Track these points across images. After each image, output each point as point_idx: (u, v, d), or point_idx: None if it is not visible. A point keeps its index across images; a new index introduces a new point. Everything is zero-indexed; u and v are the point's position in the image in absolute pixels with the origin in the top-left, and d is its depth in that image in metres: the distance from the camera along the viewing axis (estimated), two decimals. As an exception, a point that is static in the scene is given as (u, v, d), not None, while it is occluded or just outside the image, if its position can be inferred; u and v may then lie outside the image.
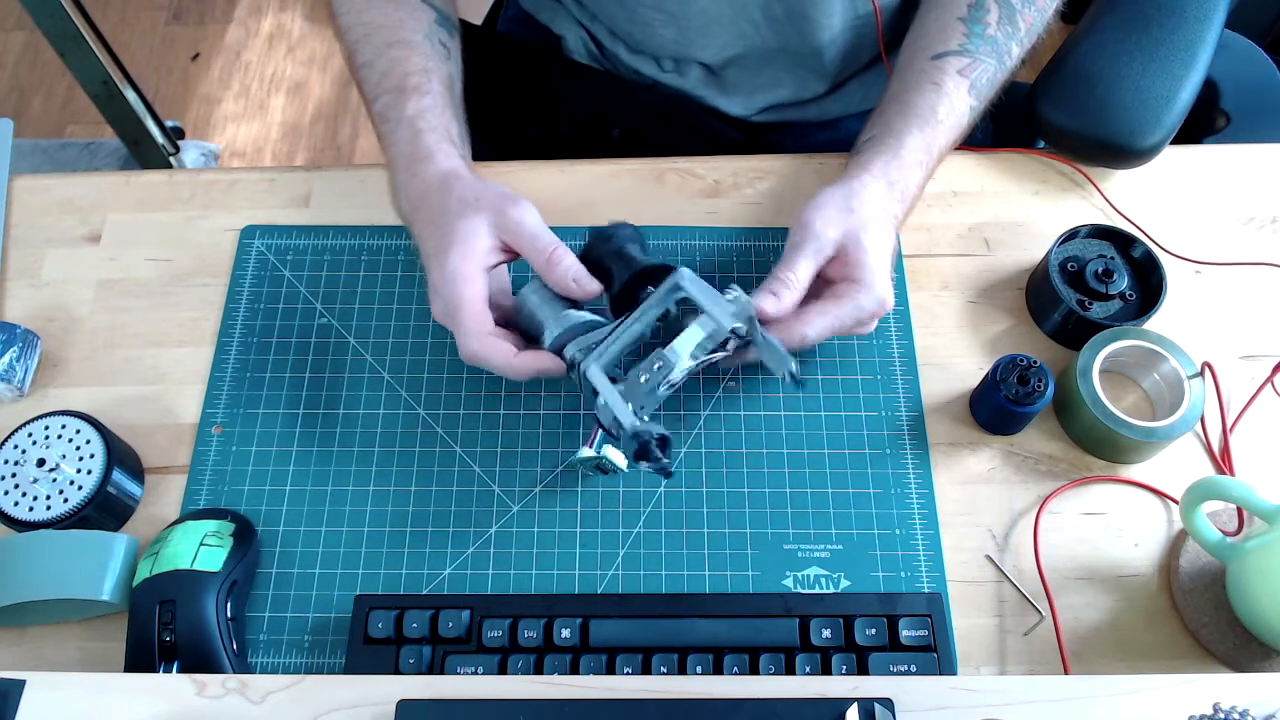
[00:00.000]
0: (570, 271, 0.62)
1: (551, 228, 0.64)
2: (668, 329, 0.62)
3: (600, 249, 0.66)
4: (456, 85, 0.72)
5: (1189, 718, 0.49)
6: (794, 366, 0.60)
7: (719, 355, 0.61)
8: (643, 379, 0.59)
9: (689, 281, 0.61)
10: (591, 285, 0.62)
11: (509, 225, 0.62)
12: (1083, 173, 0.78)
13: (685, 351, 0.60)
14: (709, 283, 0.61)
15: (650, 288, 0.62)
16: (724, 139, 0.89)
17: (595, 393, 0.60)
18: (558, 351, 0.63)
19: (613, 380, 0.60)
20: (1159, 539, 0.65)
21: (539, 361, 0.62)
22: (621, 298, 0.63)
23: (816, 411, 0.69)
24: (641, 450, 0.59)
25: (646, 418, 0.59)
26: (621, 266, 0.64)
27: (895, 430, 0.69)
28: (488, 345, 0.61)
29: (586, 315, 0.63)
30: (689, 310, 0.62)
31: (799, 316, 0.62)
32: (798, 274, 0.62)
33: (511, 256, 0.64)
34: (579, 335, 0.62)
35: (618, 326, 0.61)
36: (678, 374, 0.59)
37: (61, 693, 0.51)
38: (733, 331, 0.60)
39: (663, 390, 0.59)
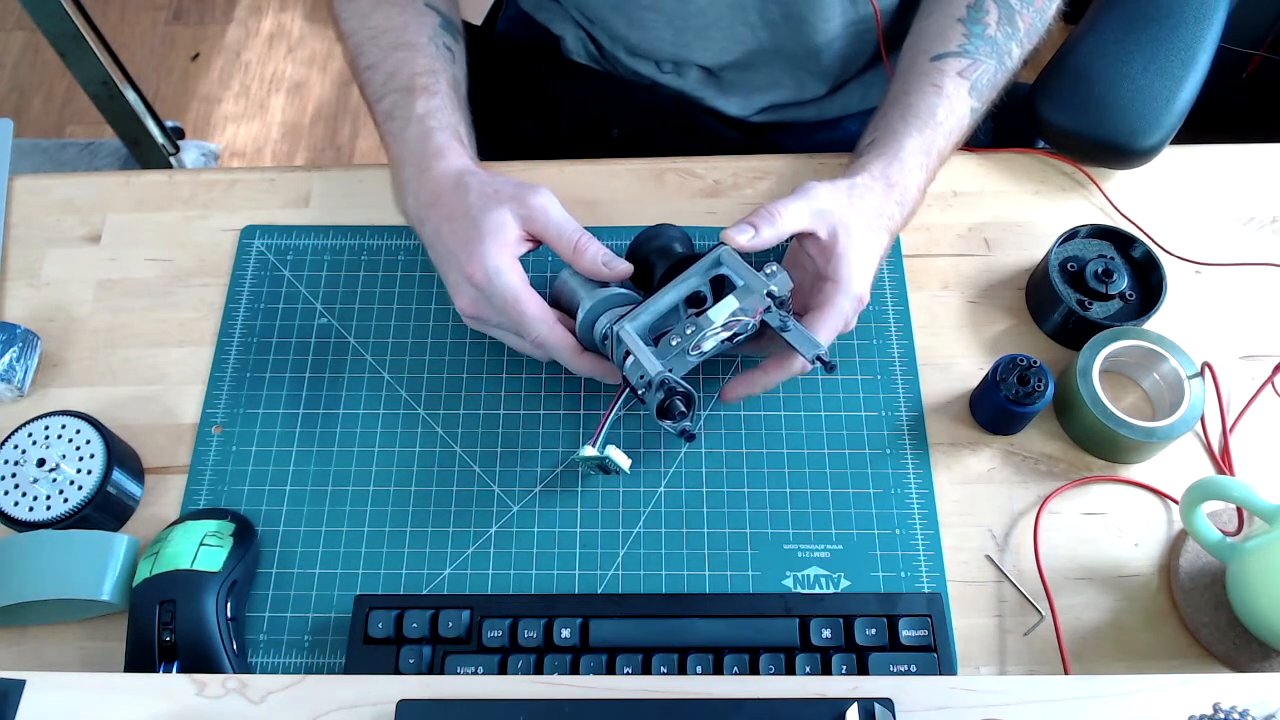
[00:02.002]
0: (599, 255, 0.63)
1: None
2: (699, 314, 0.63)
3: (645, 246, 0.67)
4: (462, 88, 0.72)
5: (1189, 718, 0.49)
6: (824, 351, 0.60)
7: (749, 326, 0.61)
8: (674, 341, 0.60)
9: (728, 256, 0.62)
10: (621, 266, 0.64)
11: (533, 215, 0.63)
12: (1083, 172, 0.78)
13: (719, 319, 0.60)
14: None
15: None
16: (723, 139, 0.89)
17: (626, 355, 0.61)
18: (590, 329, 0.64)
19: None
20: (1159, 539, 0.65)
21: (599, 366, 0.64)
22: (660, 286, 0.64)
23: (816, 411, 0.69)
24: (664, 406, 0.59)
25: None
26: (663, 260, 0.65)
27: (895, 430, 0.69)
28: (558, 333, 0.63)
29: (620, 290, 0.64)
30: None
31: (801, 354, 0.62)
32: (782, 215, 0.62)
33: (535, 245, 0.65)
34: (611, 308, 0.64)
35: (653, 295, 0.62)
36: (709, 342, 0.60)
37: (61, 693, 0.51)
38: (768, 294, 0.60)
39: (692, 356, 0.60)
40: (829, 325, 0.62)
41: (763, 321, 0.61)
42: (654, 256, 0.67)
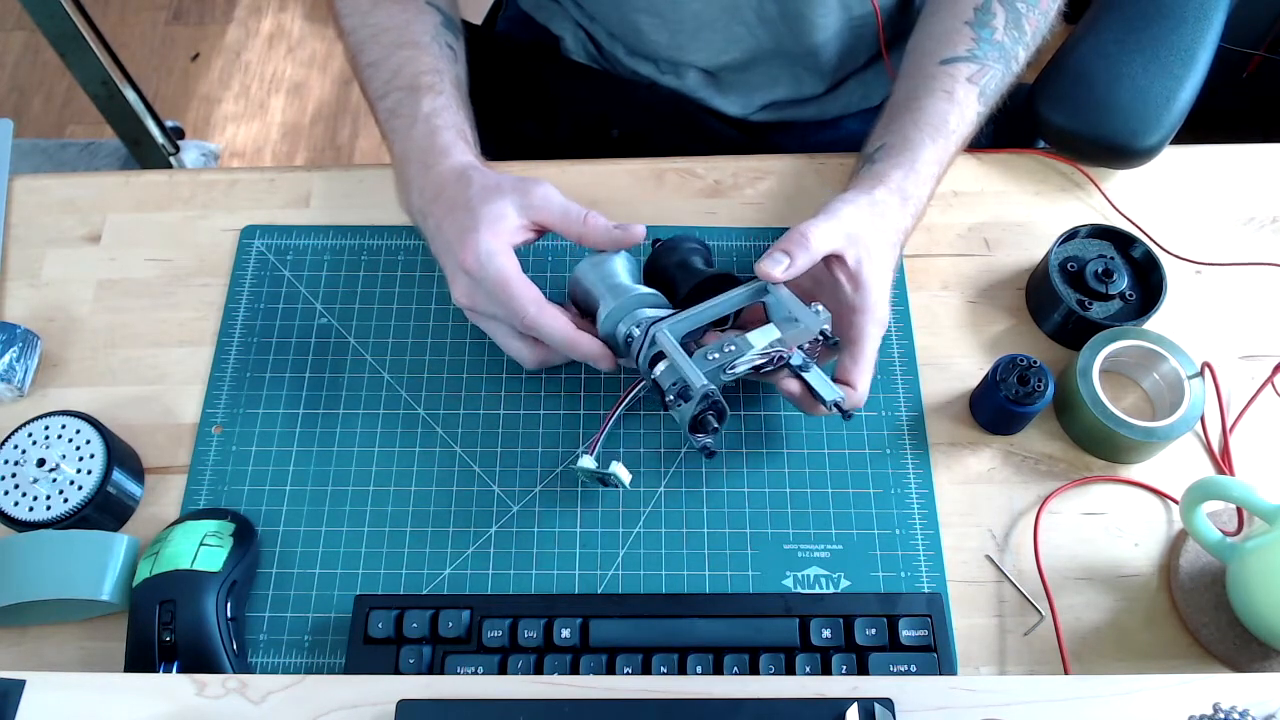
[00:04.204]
0: (610, 224, 0.63)
1: None
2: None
3: (665, 259, 0.67)
4: (464, 88, 0.72)
5: (1189, 718, 0.49)
6: (841, 399, 0.60)
7: (781, 359, 0.61)
8: (712, 356, 0.60)
9: (776, 285, 0.62)
10: (636, 229, 0.63)
11: (536, 203, 0.63)
12: (1083, 172, 0.78)
13: (758, 344, 0.60)
14: None
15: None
16: (723, 139, 0.89)
17: (657, 359, 0.60)
18: (612, 329, 0.63)
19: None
20: (1159, 539, 0.65)
21: (595, 347, 0.63)
22: (684, 305, 0.63)
23: (816, 411, 0.69)
24: (699, 421, 0.59)
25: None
26: (685, 275, 0.65)
27: (895, 430, 0.68)
28: (548, 314, 0.62)
29: (648, 291, 0.64)
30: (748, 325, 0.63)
31: (854, 391, 0.62)
32: (813, 238, 0.61)
33: (536, 237, 0.65)
34: (633, 310, 0.63)
35: (693, 306, 0.62)
36: (743, 364, 0.60)
37: (61, 693, 0.51)
38: (821, 334, 0.60)
39: (725, 376, 0.60)
40: (868, 362, 0.62)
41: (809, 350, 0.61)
42: (674, 270, 0.66)
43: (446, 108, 0.68)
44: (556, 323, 0.62)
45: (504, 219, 0.62)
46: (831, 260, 0.63)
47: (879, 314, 0.62)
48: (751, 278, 0.62)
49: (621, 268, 0.66)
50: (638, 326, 0.62)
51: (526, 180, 0.64)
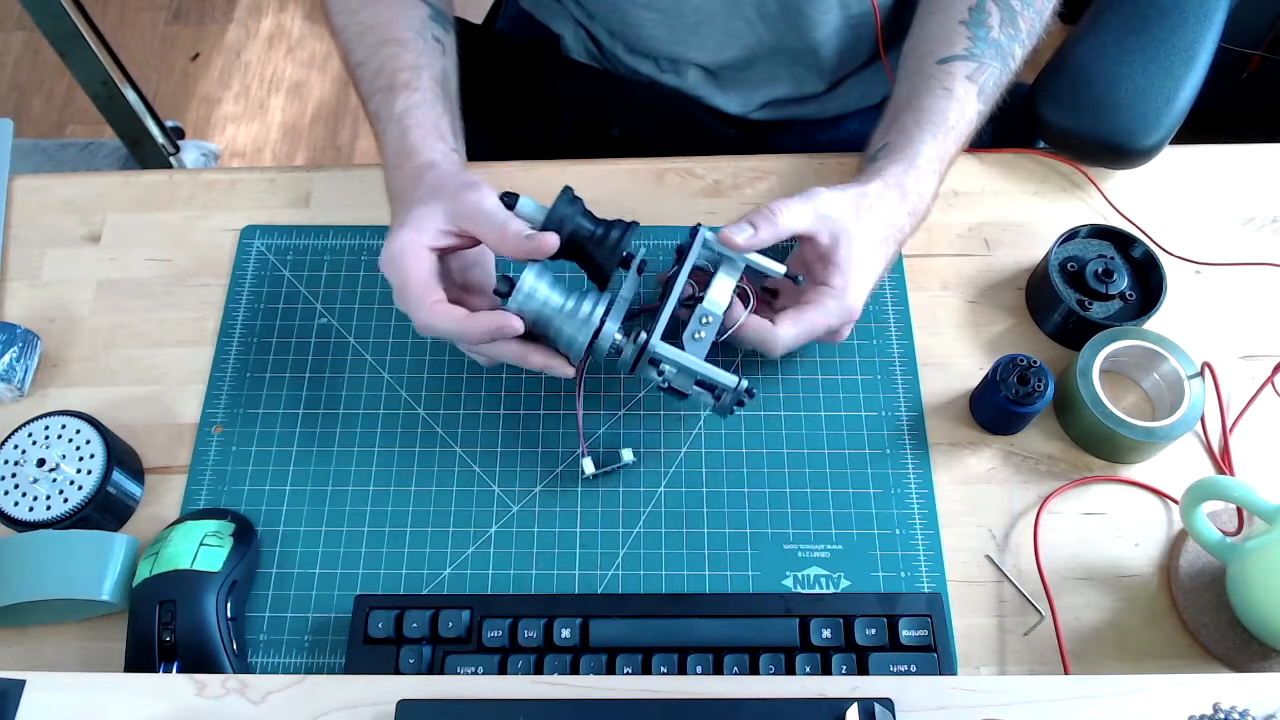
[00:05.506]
0: (522, 233, 0.59)
1: None
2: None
3: (569, 241, 0.63)
4: (451, 81, 0.72)
5: (1189, 718, 0.49)
6: (787, 270, 0.63)
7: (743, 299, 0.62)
8: (698, 335, 0.61)
9: (710, 240, 0.63)
10: (548, 240, 0.59)
11: (463, 209, 0.60)
12: (1083, 172, 0.78)
13: (722, 299, 0.61)
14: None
15: (626, 252, 0.62)
16: (723, 138, 0.89)
17: (664, 369, 0.60)
18: (583, 350, 0.62)
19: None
20: (1159, 539, 0.65)
21: (491, 320, 0.60)
22: (600, 271, 0.62)
23: (816, 411, 0.69)
24: (732, 404, 0.61)
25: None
26: (592, 244, 0.62)
27: (895, 430, 0.69)
28: (438, 311, 0.60)
29: (584, 305, 0.61)
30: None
31: (772, 329, 0.62)
32: (782, 214, 0.61)
33: (466, 243, 0.62)
34: (591, 328, 0.61)
35: (660, 299, 0.63)
36: (717, 325, 0.62)
37: (61, 693, 0.51)
38: (748, 268, 0.62)
39: (708, 338, 0.61)
40: (806, 321, 0.62)
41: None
42: (573, 241, 0.62)
43: (420, 105, 0.67)
44: (447, 318, 0.60)
45: (428, 220, 0.60)
46: (804, 241, 0.64)
47: (846, 299, 0.62)
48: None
49: (544, 287, 0.62)
50: (615, 347, 0.61)
51: (467, 184, 0.61)
